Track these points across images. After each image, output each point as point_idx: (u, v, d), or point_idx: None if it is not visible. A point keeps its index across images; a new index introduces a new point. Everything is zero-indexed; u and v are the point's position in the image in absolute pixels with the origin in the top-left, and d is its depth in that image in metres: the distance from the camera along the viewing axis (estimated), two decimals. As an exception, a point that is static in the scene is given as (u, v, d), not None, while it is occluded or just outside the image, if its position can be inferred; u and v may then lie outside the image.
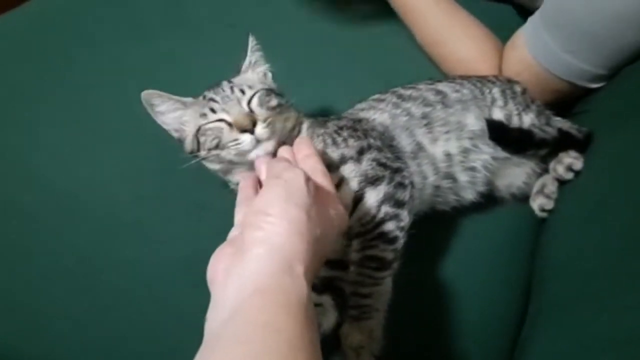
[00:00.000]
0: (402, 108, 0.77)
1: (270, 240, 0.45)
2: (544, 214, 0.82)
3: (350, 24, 0.97)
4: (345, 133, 0.69)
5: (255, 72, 0.73)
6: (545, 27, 0.85)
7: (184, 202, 0.74)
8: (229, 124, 0.64)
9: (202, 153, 0.65)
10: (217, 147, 0.64)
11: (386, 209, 0.63)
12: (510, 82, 0.87)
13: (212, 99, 0.66)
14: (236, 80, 0.70)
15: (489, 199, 0.79)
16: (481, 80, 0.85)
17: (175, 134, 0.69)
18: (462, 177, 0.75)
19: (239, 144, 0.62)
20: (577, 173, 0.81)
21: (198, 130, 0.65)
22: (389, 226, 0.62)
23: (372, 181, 0.64)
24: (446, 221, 0.73)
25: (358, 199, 0.64)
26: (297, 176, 0.50)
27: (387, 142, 0.70)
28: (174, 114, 0.68)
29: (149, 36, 0.87)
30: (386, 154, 0.68)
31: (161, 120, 0.68)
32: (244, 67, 0.73)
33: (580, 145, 0.82)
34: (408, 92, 0.80)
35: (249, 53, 0.72)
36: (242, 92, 0.67)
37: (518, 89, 0.85)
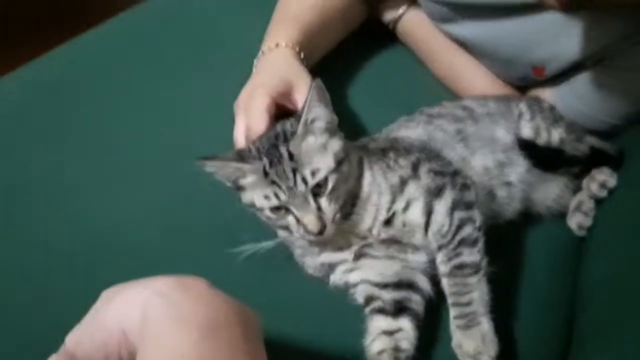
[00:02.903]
0: (434, 125, 0.76)
1: None
2: (583, 232, 0.80)
3: (359, 50, 0.98)
4: (391, 154, 0.68)
5: (316, 135, 0.62)
6: (577, 99, 0.85)
7: (212, 237, 0.73)
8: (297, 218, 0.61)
9: (262, 218, 0.64)
10: (281, 226, 0.63)
11: (459, 214, 0.63)
12: (537, 99, 0.87)
13: (275, 182, 0.60)
14: (296, 153, 0.60)
15: (526, 216, 0.78)
16: (506, 97, 0.85)
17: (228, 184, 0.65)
18: (500, 192, 0.74)
19: (307, 235, 0.61)
20: (610, 191, 0.79)
21: (261, 208, 0.62)
22: (467, 230, 0.62)
23: (436, 193, 0.64)
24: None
25: (428, 214, 0.64)
26: None
27: (433, 154, 0.70)
28: (229, 176, 0.64)
29: (176, 76, 0.88)
30: (437, 162, 0.68)
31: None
32: (300, 129, 0.61)
33: (613, 162, 0.81)
34: (435, 110, 0.79)
35: (305, 109, 0.61)
36: (305, 181, 0.59)
37: (545, 104, 0.84)
